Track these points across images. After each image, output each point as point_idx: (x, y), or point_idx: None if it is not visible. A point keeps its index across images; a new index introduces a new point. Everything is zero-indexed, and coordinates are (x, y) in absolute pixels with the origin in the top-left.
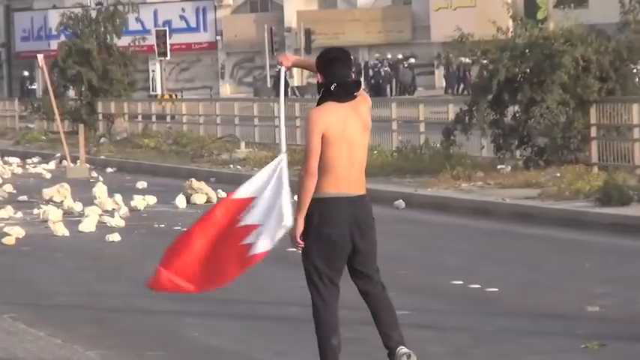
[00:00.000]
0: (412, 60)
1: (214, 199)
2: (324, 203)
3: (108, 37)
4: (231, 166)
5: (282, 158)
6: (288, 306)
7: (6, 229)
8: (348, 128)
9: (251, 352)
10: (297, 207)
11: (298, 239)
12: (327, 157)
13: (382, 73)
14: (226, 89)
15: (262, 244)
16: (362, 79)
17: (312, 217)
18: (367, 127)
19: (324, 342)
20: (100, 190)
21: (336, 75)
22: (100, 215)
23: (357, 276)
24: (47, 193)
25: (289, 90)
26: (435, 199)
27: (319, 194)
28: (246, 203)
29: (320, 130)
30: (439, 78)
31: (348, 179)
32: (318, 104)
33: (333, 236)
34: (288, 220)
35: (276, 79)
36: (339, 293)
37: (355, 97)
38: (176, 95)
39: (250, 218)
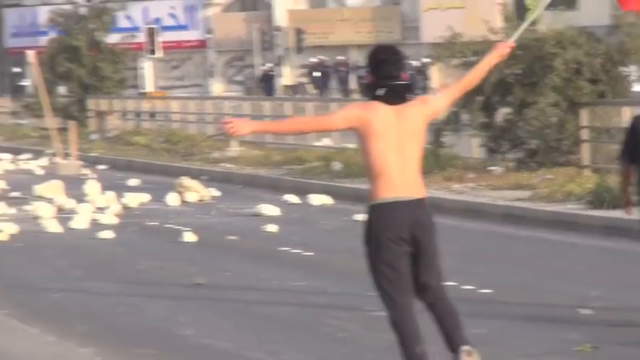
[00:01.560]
0: (426, 60)
1: (206, 198)
2: (380, 209)
3: (97, 34)
4: (223, 164)
5: None
6: (279, 305)
7: None
8: (394, 130)
9: (243, 350)
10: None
11: (233, 125)
12: (373, 157)
13: None
14: (216, 88)
15: None
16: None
17: (372, 224)
18: (415, 133)
19: (408, 351)
20: (91, 187)
21: (386, 76)
22: (92, 212)
23: (418, 283)
24: (39, 189)
25: (279, 88)
26: (427, 200)
27: (376, 200)
28: None
29: (352, 116)
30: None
31: (402, 183)
32: None
33: (392, 240)
34: None
35: (265, 77)
36: (412, 300)
37: (405, 99)
38: (166, 93)
39: None
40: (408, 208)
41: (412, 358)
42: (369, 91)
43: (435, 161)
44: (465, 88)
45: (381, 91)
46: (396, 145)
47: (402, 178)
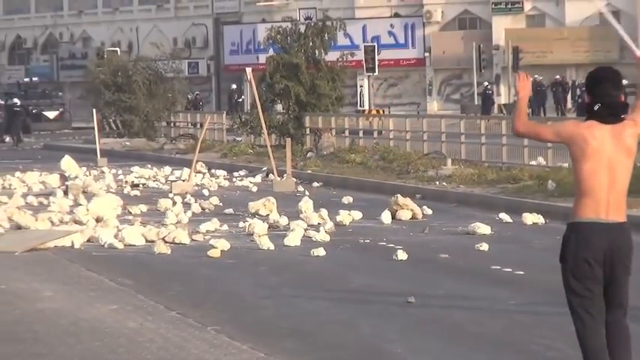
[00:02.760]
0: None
1: (419, 216)
2: (580, 228)
3: (316, 51)
4: (437, 182)
5: None
6: (489, 324)
7: (212, 242)
8: (607, 150)
9: None
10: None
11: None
12: (583, 176)
13: None
14: (433, 106)
15: None
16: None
17: (569, 242)
18: (630, 152)
19: None
20: (305, 204)
21: (603, 95)
22: (306, 230)
23: (606, 305)
24: (253, 206)
25: (495, 107)
26: (628, 224)
27: (577, 219)
28: None
29: (564, 131)
30: None
31: (606, 204)
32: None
33: (587, 259)
34: None
35: (484, 96)
36: (602, 318)
37: (622, 119)
38: (383, 111)
39: None
40: (607, 231)
41: None
42: (586, 111)
43: None
44: None
45: (596, 106)
46: (608, 166)
47: (607, 200)
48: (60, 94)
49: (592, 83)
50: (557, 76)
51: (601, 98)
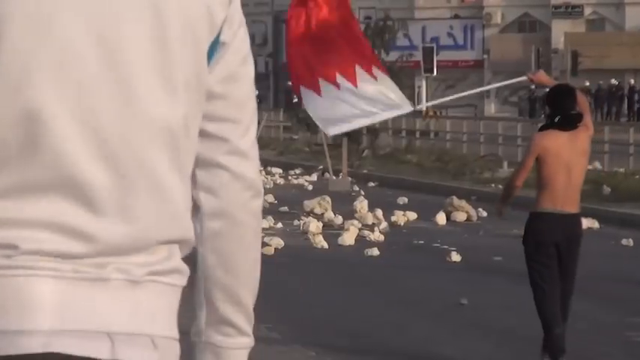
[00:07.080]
0: None
1: (474, 218)
2: (541, 217)
3: (376, 51)
4: (493, 185)
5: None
6: (540, 328)
7: (265, 239)
8: (565, 153)
9: None
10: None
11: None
12: (545, 175)
13: None
14: (491, 108)
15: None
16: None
17: (531, 227)
18: (584, 153)
19: (548, 332)
20: (361, 204)
21: (561, 107)
22: (360, 229)
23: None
24: (308, 205)
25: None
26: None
27: (539, 209)
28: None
29: (536, 152)
30: None
31: (564, 197)
32: (541, 130)
33: (545, 242)
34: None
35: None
36: (557, 291)
37: (577, 126)
38: (440, 112)
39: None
40: (562, 220)
41: (551, 337)
42: (548, 120)
43: None
44: None
45: (557, 118)
46: (565, 165)
47: (564, 194)
48: None
49: (553, 98)
50: (614, 81)
51: (560, 111)
